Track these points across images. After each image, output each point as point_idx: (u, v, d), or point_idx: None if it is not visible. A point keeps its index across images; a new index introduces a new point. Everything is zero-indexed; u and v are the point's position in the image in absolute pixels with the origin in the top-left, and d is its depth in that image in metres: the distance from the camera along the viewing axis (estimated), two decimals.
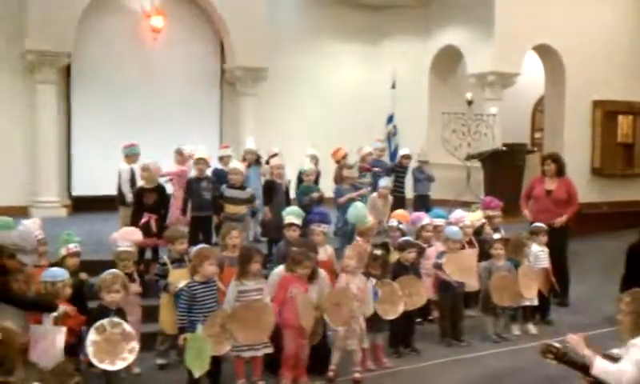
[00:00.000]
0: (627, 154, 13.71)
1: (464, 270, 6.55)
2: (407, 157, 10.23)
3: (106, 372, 4.35)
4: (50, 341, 4.35)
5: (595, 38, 12.92)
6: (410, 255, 6.28)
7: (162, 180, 7.54)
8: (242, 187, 7.46)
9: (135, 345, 4.48)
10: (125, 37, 11.41)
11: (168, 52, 11.70)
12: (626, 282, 6.92)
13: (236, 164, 7.70)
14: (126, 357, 4.40)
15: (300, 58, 12.87)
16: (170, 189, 7.87)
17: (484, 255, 7.03)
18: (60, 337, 4.38)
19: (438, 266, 6.53)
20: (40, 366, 4.24)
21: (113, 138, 9.56)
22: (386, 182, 8.63)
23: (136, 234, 5.95)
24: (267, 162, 8.76)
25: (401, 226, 6.96)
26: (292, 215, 6.31)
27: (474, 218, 7.59)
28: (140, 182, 7.35)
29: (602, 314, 7.30)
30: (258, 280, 5.29)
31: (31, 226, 5.70)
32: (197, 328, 4.85)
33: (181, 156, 8.34)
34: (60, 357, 4.34)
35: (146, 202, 6.98)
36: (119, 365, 4.37)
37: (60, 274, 4.87)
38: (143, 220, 6.84)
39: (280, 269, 5.55)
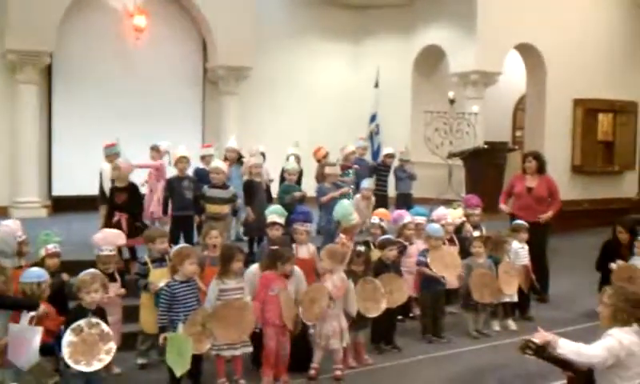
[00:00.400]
0: (607, 151, 13.87)
1: (448, 267, 6.62)
2: (390, 156, 10.21)
3: (84, 372, 4.31)
4: (27, 340, 4.30)
5: (576, 37, 13.02)
6: (391, 253, 6.31)
7: (139, 180, 7.51)
8: (224, 186, 7.41)
9: (113, 345, 4.43)
10: (107, 36, 11.34)
11: (151, 51, 11.65)
12: (602, 280, 7.01)
13: (218, 163, 7.66)
14: (103, 357, 4.35)
15: (283, 56, 12.86)
16: (144, 190, 7.81)
17: (464, 253, 7.09)
18: (37, 337, 4.33)
19: (424, 264, 6.57)
20: (17, 365, 4.21)
21: (94, 138, 9.47)
22: (368, 184, 8.64)
23: (120, 238, 5.90)
24: None
25: (382, 223, 7.02)
26: (275, 214, 6.31)
27: (456, 215, 7.66)
28: None
29: (582, 309, 7.40)
30: (240, 279, 5.30)
31: (13, 227, 5.65)
32: (177, 327, 4.83)
33: (157, 152, 8.31)
34: (36, 357, 4.31)
35: (116, 202, 6.95)
36: (95, 366, 4.31)
37: (39, 274, 4.83)
38: (114, 219, 6.81)
39: (255, 267, 5.58)
